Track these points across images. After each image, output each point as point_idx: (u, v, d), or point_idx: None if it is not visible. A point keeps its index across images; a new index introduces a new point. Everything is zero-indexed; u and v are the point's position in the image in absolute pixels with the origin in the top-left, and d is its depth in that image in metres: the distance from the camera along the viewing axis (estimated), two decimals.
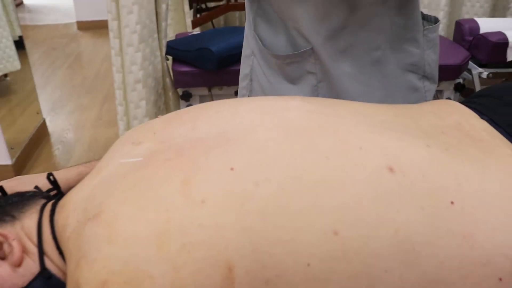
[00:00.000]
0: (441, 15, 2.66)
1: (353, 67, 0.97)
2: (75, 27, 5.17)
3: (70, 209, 0.63)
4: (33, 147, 2.68)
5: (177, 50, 2.02)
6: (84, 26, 5.06)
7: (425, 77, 1.03)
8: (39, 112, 2.91)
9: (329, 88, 1.00)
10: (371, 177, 0.57)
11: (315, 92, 1.01)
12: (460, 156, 0.62)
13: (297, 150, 0.59)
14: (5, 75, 2.78)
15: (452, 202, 0.56)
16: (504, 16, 2.77)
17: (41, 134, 2.82)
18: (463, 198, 0.57)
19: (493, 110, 0.72)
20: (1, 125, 2.32)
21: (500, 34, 2.25)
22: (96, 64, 4.11)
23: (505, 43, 2.22)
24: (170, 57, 2.13)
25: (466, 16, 2.73)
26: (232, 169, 0.56)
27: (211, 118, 0.67)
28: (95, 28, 4.79)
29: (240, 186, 0.55)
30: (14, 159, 2.39)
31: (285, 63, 1.02)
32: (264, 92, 1.08)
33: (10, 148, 2.38)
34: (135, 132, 0.71)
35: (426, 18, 1.03)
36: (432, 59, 1.03)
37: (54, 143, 2.80)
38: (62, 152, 2.69)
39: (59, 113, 3.16)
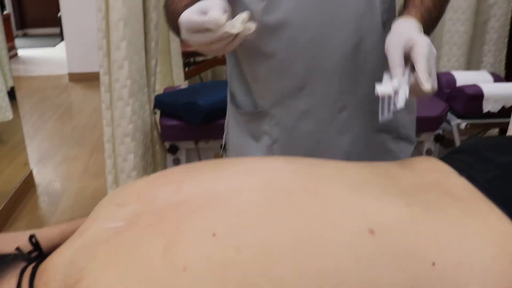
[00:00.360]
0: None
1: (315, 129, 0.98)
2: (66, 78, 5.26)
3: (50, 273, 0.62)
4: (18, 199, 2.67)
5: (165, 104, 2.07)
6: (76, 78, 5.14)
7: (400, 138, 1.02)
8: (26, 163, 2.92)
9: (285, 150, 1.00)
10: (352, 240, 0.57)
11: (270, 153, 1.03)
12: (440, 216, 0.62)
13: (279, 214, 0.59)
14: None
15: (433, 263, 0.57)
16: (478, 69, 2.89)
17: (27, 185, 2.81)
18: (444, 259, 0.57)
19: (471, 167, 0.74)
20: None
21: (475, 86, 2.34)
22: (85, 115, 4.17)
23: (481, 95, 2.31)
24: (158, 111, 2.19)
25: (443, 70, 2.84)
26: (214, 234, 0.56)
27: (195, 180, 0.68)
28: (86, 80, 4.88)
29: (222, 252, 0.55)
30: None
31: (247, 120, 1.06)
32: (234, 145, 1.12)
33: None
34: (120, 193, 0.72)
35: None
36: (406, 119, 1.02)
37: (40, 195, 2.80)
38: (47, 204, 2.69)
39: (46, 164, 3.18)
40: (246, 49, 0.95)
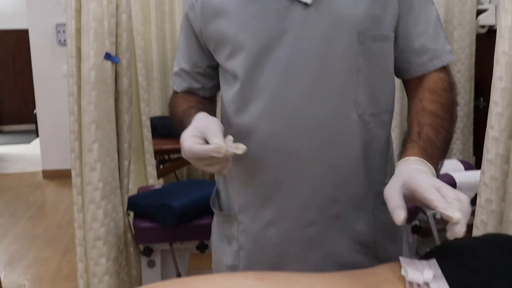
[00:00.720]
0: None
1: (281, 240, 0.95)
2: (40, 175, 5.19)
3: None
4: None
5: (138, 205, 2.04)
6: (50, 175, 5.08)
7: (377, 259, 0.95)
8: None
9: (251, 258, 0.98)
10: None
11: (236, 259, 1.01)
12: None
13: None
14: None
15: None
16: (448, 157, 2.96)
17: None
18: None
19: (446, 272, 0.72)
20: None
21: (447, 176, 2.38)
22: (58, 214, 4.07)
23: (453, 184, 2.33)
24: (131, 212, 2.15)
25: None
26: None
27: None
28: (60, 177, 4.83)
29: None
30: None
31: (221, 221, 1.06)
32: (213, 245, 1.11)
33: None
34: None
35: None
36: (385, 238, 0.97)
37: None
38: None
39: (15, 268, 3.04)
40: None
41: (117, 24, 2.01)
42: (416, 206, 2.25)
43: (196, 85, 1.08)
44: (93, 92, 1.91)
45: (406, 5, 0.93)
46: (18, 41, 7.70)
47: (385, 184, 0.93)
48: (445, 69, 0.96)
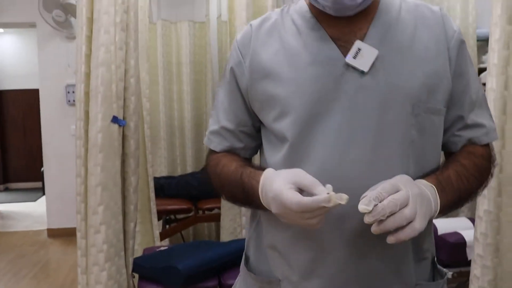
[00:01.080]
0: None
1: None
2: (45, 234, 5.15)
3: None
4: None
5: (143, 267, 2.01)
6: (55, 233, 5.05)
7: None
8: None
9: None
10: None
11: None
12: None
13: None
14: None
15: None
16: (456, 214, 2.92)
17: None
18: None
19: None
20: None
21: (457, 234, 2.34)
22: (62, 273, 4.00)
23: (463, 243, 2.29)
24: (136, 275, 2.11)
25: None
26: None
27: None
28: (66, 235, 4.78)
29: None
30: None
31: (257, 286, 1.00)
32: None
33: None
34: None
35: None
36: None
37: None
38: None
39: None
40: (271, 215, 0.92)
41: (125, 88, 2.06)
42: None
43: (238, 145, 1.03)
44: (100, 155, 1.93)
45: (460, 81, 0.94)
46: (29, 100, 7.86)
47: (426, 258, 0.97)
48: (488, 144, 0.98)
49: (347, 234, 0.88)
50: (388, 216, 0.74)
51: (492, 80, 1.37)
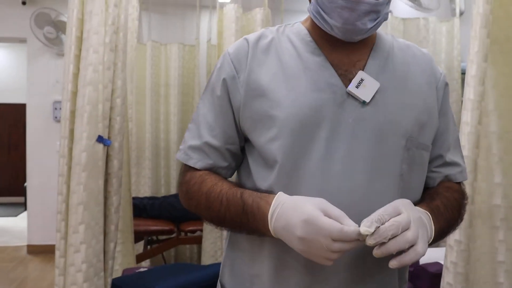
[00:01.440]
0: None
1: None
2: (25, 250, 5.07)
3: None
4: None
5: None
6: (35, 250, 4.97)
7: None
8: None
9: None
10: None
11: None
12: None
13: None
14: None
15: None
16: (437, 245, 2.94)
17: None
18: None
19: None
20: None
21: (438, 264, 2.36)
22: None
23: None
24: None
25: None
26: None
27: None
28: (46, 252, 4.71)
29: None
30: None
31: None
32: None
33: None
34: None
35: None
36: None
37: None
38: None
39: None
40: (261, 243, 0.93)
41: (111, 108, 2.07)
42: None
43: (222, 164, 0.97)
44: (83, 174, 1.93)
45: (443, 120, 0.98)
46: (15, 114, 7.83)
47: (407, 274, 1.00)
48: (461, 182, 1.04)
49: (343, 261, 0.87)
50: (390, 239, 0.75)
51: (467, 114, 1.42)
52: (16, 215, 6.94)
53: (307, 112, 0.88)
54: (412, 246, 0.76)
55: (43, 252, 4.80)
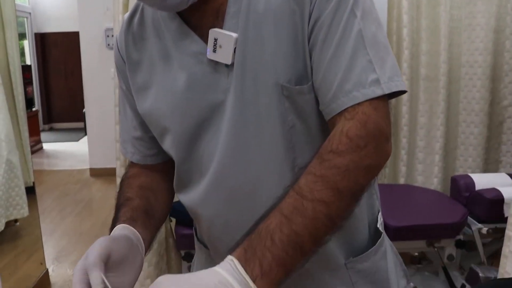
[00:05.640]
0: (436, 170, 2.76)
1: None
2: (88, 173, 5.37)
3: None
4: None
5: (179, 212, 2.06)
6: (97, 173, 5.25)
7: None
8: (42, 263, 2.92)
9: None
10: None
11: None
12: None
13: None
14: (15, 221, 2.85)
15: None
16: (496, 169, 2.86)
17: (42, 285, 2.79)
18: None
19: None
20: (3, 274, 2.32)
21: (495, 191, 2.31)
22: (104, 211, 4.20)
23: (501, 200, 2.27)
24: (174, 219, 2.19)
25: (460, 170, 2.83)
26: None
27: None
28: (107, 175, 4.97)
29: None
30: None
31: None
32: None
33: None
34: None
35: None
36: None
37: None
38: None
39: (63, 262, 3.17)
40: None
41: None
42: (460, 221, 2.20)
43: (149, 152, 0.93)
44: None
45: (317, 39, 0.72)
46: (69, 42, 7.98)
47: (357, 233, 0.85)
48: (364, 114, 0.67)
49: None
50: None
51: None
52: (77, 140, 7.29)
53: (189, 123, 0.80)
54: None
55: (105, 174, 5.07)
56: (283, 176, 0.77)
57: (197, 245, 1.01)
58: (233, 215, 0.81)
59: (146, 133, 0.91)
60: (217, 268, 0.61)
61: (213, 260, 0.93)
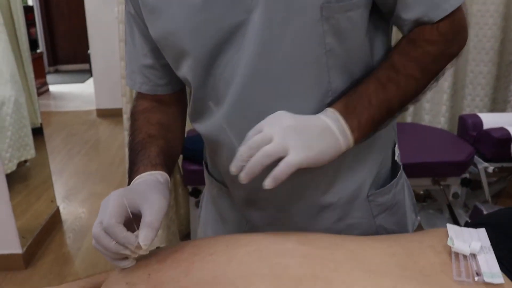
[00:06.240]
0: (443, 109, 2.74)
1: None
2: (94, 114, 5.38)
3: None
4: (45, 235, 2.72)
5: (187, 149, 2.07)
6: (103, 113, 5.26)
7: None
8: (53, 200, 2.98)
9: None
10: None
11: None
12: None
13: None
14: (25, 161, 2.88)
15: None
16: (504, 109, 2.84)
17: (53, 222, 2.86)
18: None
19: (495, 244, 0.68)
20: (16, 212, 2.38)
21: (503, 130, 2.30)
22: (111, 151, 4.24)
23: (509, 139, 2.26)
24: (181, 155, 2.20)
25: (467, 110, 2.81)
26: None
27: (205, 262, 0.66)
28: (113, 115, 4.98)
29: None
30: (24, 248, 2.42)
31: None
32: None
33: (22, 237, 2.42)
34: (131, 270, 0.69)
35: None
36: (390, 221, 0.89)
37: (66, 231, 2.84)
38: (73, 241, 2.73)
39: (72, 200, 3.23)
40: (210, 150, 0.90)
41: None
42: (467, 160, 2.20)
43: (160, 81, 0.89)
44: None
45: None
46: None
47: (383, 164, 0.86)
48: (446, 19, 0.72)
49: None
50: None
51: None
52: (83, 81, 7.26)
53: (208, 45, 0.75)
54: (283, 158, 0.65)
55: (111, 115, 5.08)
56: (316, 101, 0.75)
57: (208, 179, 1.00)
58: None
59: (158, 60, 0.87)
60: (321, 116, 0.70)
61: (224, 194, 0.93)
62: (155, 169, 0.78)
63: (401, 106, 0.75)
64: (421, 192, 2.73)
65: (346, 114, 0.70)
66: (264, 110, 0.72)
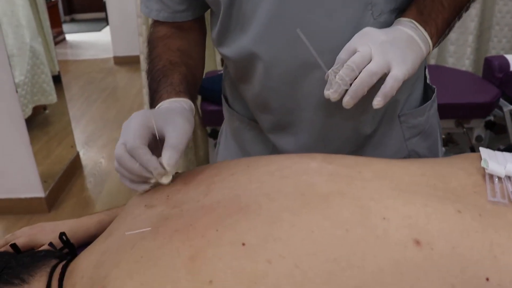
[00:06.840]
0: (468, 51, 2.65)
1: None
2: (112, 62, 5.36)
3: (78, 276, 0.61)
4: (66, 180, 2.76)
5: (205, 89, 2.05)
6: (120, 61, 5.24)
7: None
8: (73, 146, 3.01)
9: None
10: (395, 252, 0.51)
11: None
12: (494, 222, 0.55)
13: (314, 222, 0.54)
14: (45, 108, 2.90)
15: (487, 279, 0.50)
16: None
17: (74, 167, 2.90)
18: (500, 273, 0.51)
19: None
20: (37, 157, 2.41)
21: None
22: (129, 98, 4.24)
23: None
24: (199, 96, 2.18)
25: (493, 52, 2.71)
26: (243, 244, 0.52)
27: (226, 182, 0.64)
28: (131, 63, 4.95)
29: (251, 264, 0.50)
30: (47, 192, 2.47)
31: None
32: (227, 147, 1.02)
33: (44, 181, 2.46)
34: (150, 193, 0.68)
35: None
36: (422, 146, 0.88)
37: (87, 176, 2.88)
38: (93, 185, 2.77)
39: (92, 146, 3.26)
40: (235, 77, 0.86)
41: None
42: (491, 102, 2.14)
43: (179, 7, 0.84)
44: None
45: None
46: None
47: (416, 85, 0.85)
48: None
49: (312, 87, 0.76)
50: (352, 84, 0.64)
51: None
52: (99, 30, 7.20)
53: None
54: (387, 74, 0.64)
55: (129, 63, 5.06)
56: (355, 14, 0.71)
57: (228, 113, 0.98)
58: (294, 58, 0.74)
59: None
60: (399, 27, 0.69)
61: (246, 127, 0.91)
62: (179, 96, 0.76)
63: (464, 4, 0.75)
64: (443, 136, 2.68)
65: (423, 22, 0.69)
66: (300, 24, 0.68)
